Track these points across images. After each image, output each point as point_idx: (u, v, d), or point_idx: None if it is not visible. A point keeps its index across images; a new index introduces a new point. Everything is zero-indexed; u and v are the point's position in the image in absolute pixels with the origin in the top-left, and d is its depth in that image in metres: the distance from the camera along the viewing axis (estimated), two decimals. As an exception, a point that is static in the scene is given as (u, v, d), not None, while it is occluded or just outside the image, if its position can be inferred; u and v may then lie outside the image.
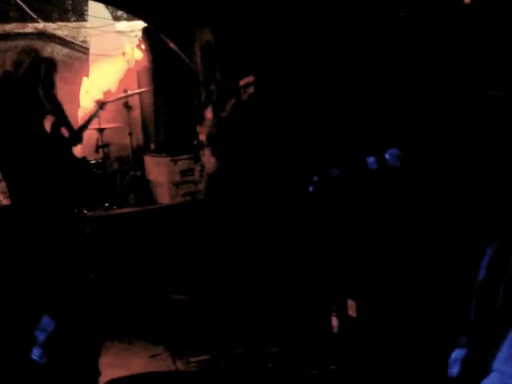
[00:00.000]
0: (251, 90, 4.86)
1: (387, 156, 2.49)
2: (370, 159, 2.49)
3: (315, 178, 2.52)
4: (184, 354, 4.64)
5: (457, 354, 2.37)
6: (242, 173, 4.83)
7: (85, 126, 5.78)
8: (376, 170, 2.46)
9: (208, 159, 5.81)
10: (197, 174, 6.69)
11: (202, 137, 6.00)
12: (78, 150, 6.70)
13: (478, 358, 2.28)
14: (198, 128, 6.07)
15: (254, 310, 4.52)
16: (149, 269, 5.64)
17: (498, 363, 2.13)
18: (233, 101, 5.11)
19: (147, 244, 5.84)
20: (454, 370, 2.35)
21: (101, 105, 6.27)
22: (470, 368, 2.32)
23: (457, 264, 2.75)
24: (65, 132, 5.22)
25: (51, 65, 5.10)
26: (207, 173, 6.02)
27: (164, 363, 4.61)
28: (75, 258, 4.48)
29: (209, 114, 5.75)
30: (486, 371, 2.21)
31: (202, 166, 6.40)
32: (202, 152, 6.19)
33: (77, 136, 5.39)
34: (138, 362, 4.71)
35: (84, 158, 5.95)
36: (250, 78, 4.84)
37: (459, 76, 2.33)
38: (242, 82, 4.95)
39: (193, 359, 4.55)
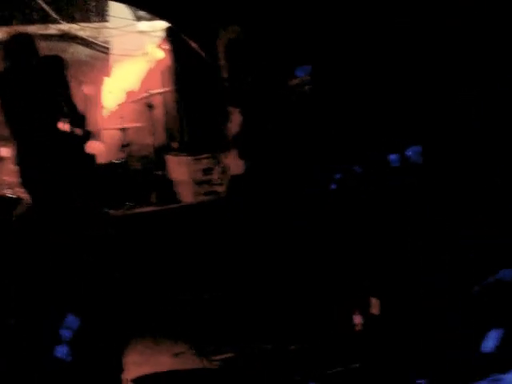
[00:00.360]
0: (305, 89, 4.79)
1: (409, 153, 2.48)
2: (393, 157, 2.48)
3: (338, 176, 2.51)
4: (208, 351, 4.64)
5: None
6: (273, 175, 4.81)
7: None
8: (398, 168, 2.45)
9: (233, 160, 5.79)
10: (218, 173, 6.70)
11: (228, 137, 5.98)
12: (101, 150, 6.76)
13: None
14: (225, 128, 6.06)
15: (277, 307, 4.53)
16: (173, 267, 5.66)
17: None
18: (273, 101, 5.07)
19: (170, 242, 5.85)
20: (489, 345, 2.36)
21: None
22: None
23: (457, 264, 2.74)
24: (79, 132, 5.24)
25: (60, 63, 5.07)
26: (231, 174, 5.99)
27: (188, 361, 4.62)
28: (90, 256, 4.50)
29: (236, 114, 5.72)
30: None
31: (224, 166, 6.40)
32: (225, 152, 6.18)
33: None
34: (162, 359, 4.72)
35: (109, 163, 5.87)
36: (303, 78, 4.77)
37: (458, 76, 2.32)
38: (292, 82, 4.89)
39: (217, 357, 4.56)
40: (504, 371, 2.25)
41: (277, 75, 4.98)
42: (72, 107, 5.30)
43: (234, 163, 5.69)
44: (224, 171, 6.46)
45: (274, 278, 4.63)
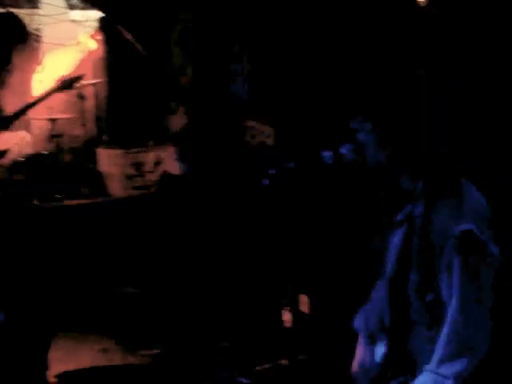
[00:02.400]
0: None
1: (343, 150, 2.49)
2: (326, 153, 2.49)
3: (271, 171, 2.50)
4: (135, 347, 4.60)
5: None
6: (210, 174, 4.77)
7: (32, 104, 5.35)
8: (332, 165, 2.46)
9: (170, 157, 5.69)
10: (150, 167, 6.62)
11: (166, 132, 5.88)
12: (28, 141, 6.58)
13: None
14: (162, 122, 5.95)
15: (205, 303, 4.50)
16: (100, 261, 5.57)
17: (432, 365, 2.15)
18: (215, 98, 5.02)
19: (98, 236, 5.76)
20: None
21: (65, 84, 5.64)
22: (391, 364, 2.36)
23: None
24: None
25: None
26: (165, 170, 5.90)
27: (114, 357, 4.57)
28: (17, 250, 4.38)
29: (179, 109, 5.61)
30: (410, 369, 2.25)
31: (158, 162, 6.32)
32: (161, 147, 6.09)
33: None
34: (87, 355, 4.66)
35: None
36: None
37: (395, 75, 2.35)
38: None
39: (144, 353, 4.52)
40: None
41: (221, 70, 4.97)
42: None
43: (171, 160, 5.62)
44: (157, 166, 6.37)
45: (203, 274, 4.61)
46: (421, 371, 2.18)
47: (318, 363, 3.67)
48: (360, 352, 2.51)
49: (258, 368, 3.69)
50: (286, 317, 3.94)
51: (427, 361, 2.17)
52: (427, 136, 2.26)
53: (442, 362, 2.12)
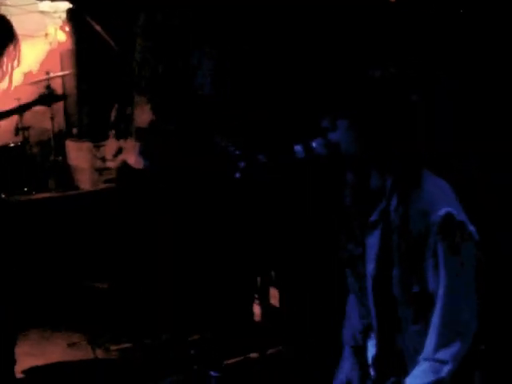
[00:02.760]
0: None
1: (314, 145, 2.48)
2: (297, 147, 2.48)
3: (242, 164, 2.49)
4: (104, 342, 4.57)
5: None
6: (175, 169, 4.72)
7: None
8: (303, 159, 2.45)
9: (131, 148, 5.60)
10: (110, 156, 6.53)
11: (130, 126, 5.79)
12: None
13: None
14: (127, 116, 5.86)
15: (177, 297, 4.49)
16: (68, 255, 5.53)
17: (427, 353, 2.17)
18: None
19: (67, 230, 5.71)
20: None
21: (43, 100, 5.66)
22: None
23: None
24: None
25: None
26: (125, 160, 5.73)
27: (82, 351, 4.55)
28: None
29: (143, 103, 5.48)
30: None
31: (118, 151, 6.21)
32: (125, 141, 6.02)
33: None
34: (55, 350, 4.63)
35: None
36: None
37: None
38: None
39: (112, 347, 4.50)
40: None
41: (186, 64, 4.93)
42: None
43: (132, 152, 5.53)
44: (118, 155, 6.23)
45: (173, 268, 4.60)
46: (413, 366, 2.18)
47: (288, 356, 3.68)
48: (343, 364, 2.50)
49: (227, 361, 3.69)
50: (256, 310, 3.95)
51: (417, 355, 2.18)
52: (403, 132, 2.27)
53: (437, 348, 2.13)
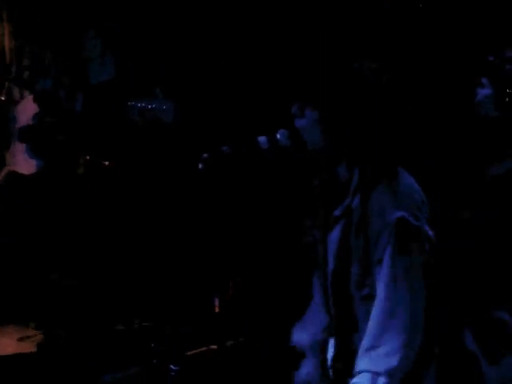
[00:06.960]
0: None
1: (278, 136, 2.46)
2: (261, 138, 2.46)
3: (205, 155, 2.45)
4: (59, 335, 4.52)
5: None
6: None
7: None
8: (267, 150, 2.43)
9: (20, 155, 5.00)
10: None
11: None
12: None
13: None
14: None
15: (134, 290, 4.45)
16: (22, 248, 5.39)
17: (363, 362, 2.13)
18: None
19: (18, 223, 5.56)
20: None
21: None
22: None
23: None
24: None
25: None
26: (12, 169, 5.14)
27: (35, 344, 4.50)
28: None
29: (28, 101, 5.01)
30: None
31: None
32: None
33: None
34: (7, 343, 4.56)
35: None
36: None
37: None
38: None
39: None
40: None
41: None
42: None
43: (22, 159, 4.90)
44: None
45: (132, 261, 4.55)
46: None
47: (247, 348, 3.68)
48: (304, 363, 2.47)
49: (186, 353, 3.67)
50: (215, 302, 3.93)
51: None
52: (367, 126, 2.25)
53: (376, 357, 2.08)
